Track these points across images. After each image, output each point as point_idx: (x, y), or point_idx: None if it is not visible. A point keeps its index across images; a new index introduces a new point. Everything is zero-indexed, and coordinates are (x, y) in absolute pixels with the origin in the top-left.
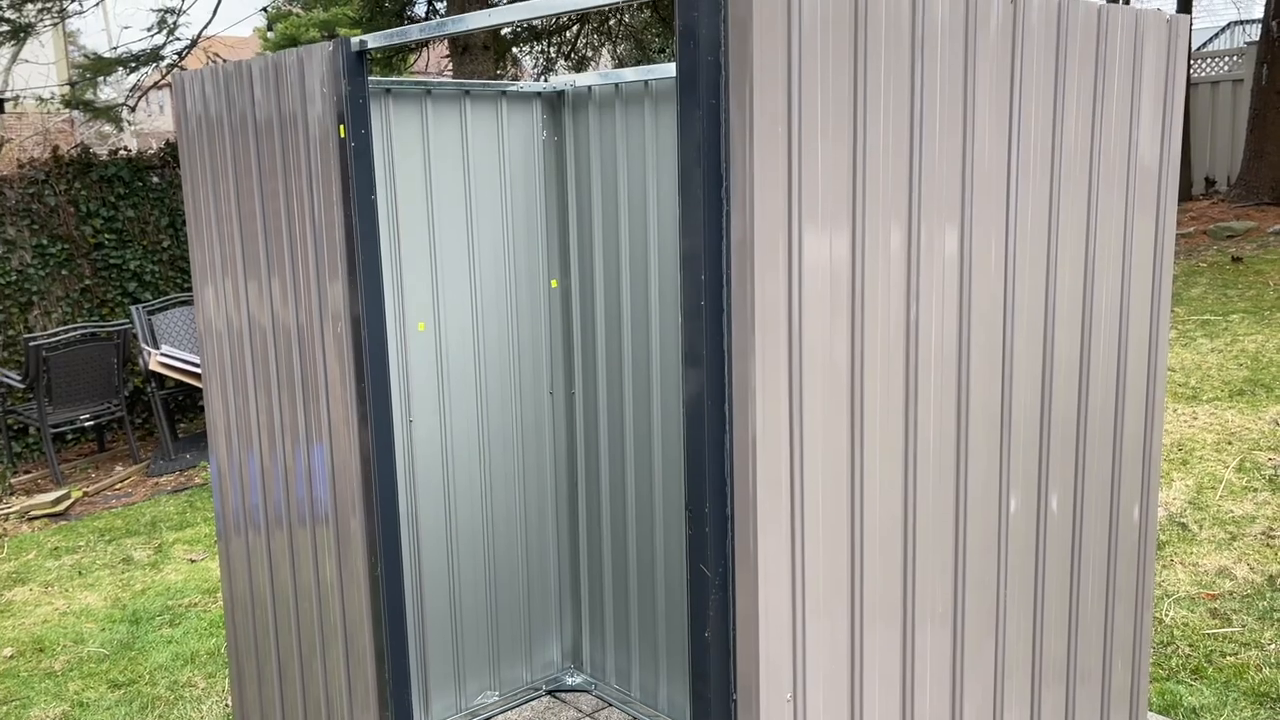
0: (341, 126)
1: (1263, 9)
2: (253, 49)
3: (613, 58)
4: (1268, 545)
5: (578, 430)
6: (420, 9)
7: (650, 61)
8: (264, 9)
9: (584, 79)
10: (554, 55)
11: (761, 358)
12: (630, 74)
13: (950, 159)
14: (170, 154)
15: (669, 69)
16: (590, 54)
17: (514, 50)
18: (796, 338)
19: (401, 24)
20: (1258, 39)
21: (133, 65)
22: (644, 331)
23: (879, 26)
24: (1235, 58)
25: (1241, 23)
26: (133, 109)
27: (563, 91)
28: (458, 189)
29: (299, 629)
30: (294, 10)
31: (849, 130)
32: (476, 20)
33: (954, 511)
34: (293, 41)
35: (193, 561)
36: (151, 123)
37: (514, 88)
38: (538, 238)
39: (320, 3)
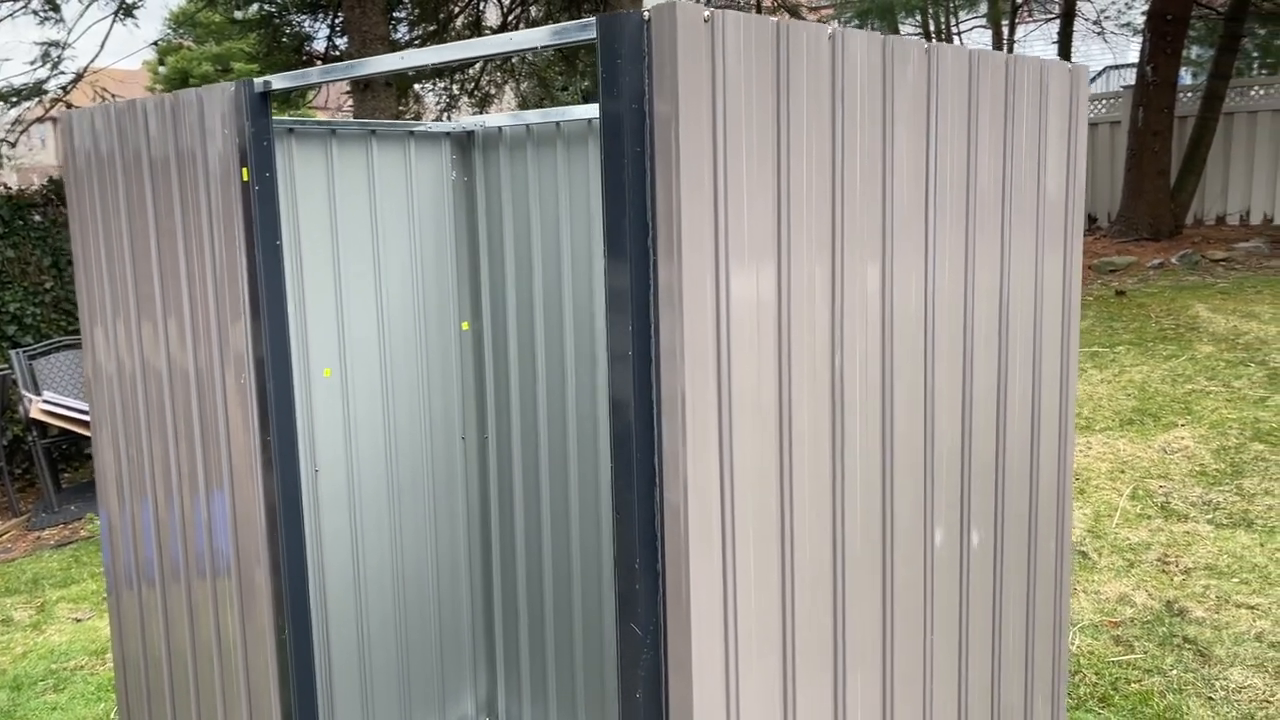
0: (245, 169)
1: (1137, 54)
2: (141, 83)
3: (516, 94)
4: (1163, 571)
5: (491, 476)
6: (319, 44)
7: (553, 98)
8: (154, 43)
9: (494, 120)
10: (457, 92)
11: (692, 405)
12: (541, 115)
13: (871, 201)
14: (54, 191)
15: (580, 111)
16: (494, 91)
17: (416, 87)
18: (725, 384)
19: (300, 59)
20: (1133, 83)
21: (14, 100)
22: (559, 374)
23: (800, 70)
24: (1112, 100)
25: (1117, 67)
26: (13, 144)
27: (472, 132)
28: (364, 230)
29: (198, 690)
30: (185, 44)
31: (773, 174)
32: (384, 63)
33: (881, 552)
34: (184, 75)
35: (78, 621)
36: (33, 157)
37: (421, 128)
38: (448, 279)
39: (212, 37)
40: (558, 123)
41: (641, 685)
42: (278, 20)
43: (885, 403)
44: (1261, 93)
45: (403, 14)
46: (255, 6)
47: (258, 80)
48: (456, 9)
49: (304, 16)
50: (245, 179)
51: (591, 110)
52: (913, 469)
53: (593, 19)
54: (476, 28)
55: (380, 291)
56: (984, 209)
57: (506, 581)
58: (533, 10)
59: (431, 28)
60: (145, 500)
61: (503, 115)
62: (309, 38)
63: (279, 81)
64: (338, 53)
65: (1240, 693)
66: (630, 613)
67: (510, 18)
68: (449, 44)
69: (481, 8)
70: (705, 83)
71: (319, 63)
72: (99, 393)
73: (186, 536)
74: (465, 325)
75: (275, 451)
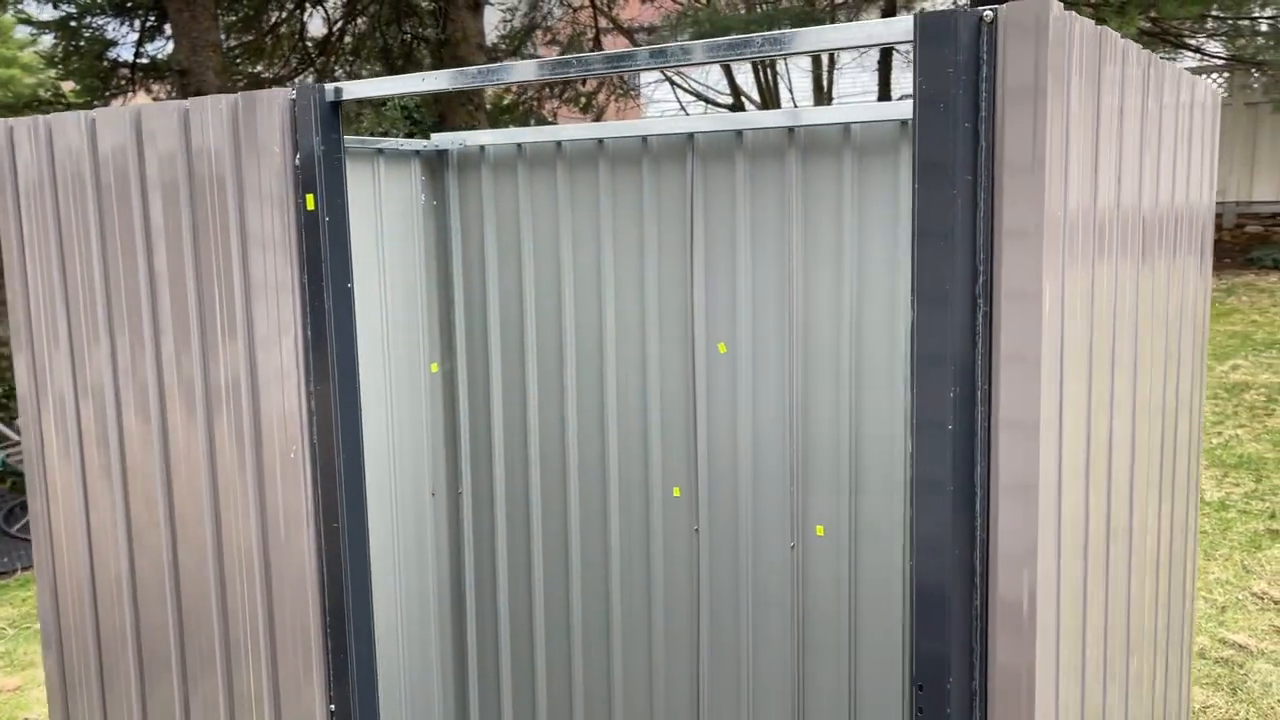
0: (310, 196)
1: None
2: None
3: None
4: None
5: (465, 536)
6: (126, 52)
7: (377, 112)
8: None
9: (475, 137)
10: None
11: (1045, 484)
12: (536, 134)
13: (1134, 228)
14: None
15: (581, 129)
16: None
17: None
18: (1058, 457)
19: (103, 65)
20: None
21: None
22: (557, 421)
23: (1109, 86)
24: None
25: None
26: None
27: (444, 151)
28: None
29: None
30: None
31: (1090, 202)
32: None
33: (1125, 640)
34: None
35: None
36: None
37: (390, 145)
38: (417, 315)
39: None
40: (558, 142)
41: None
42: (75, 23)
43: (1137, 439)
44: None
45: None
46: (50, 7)
47: (328, 86)
48: (280, 17)
49: (107, 20)
50: (311, 207)
51: (600, 130)
52: (1151, 489)
53: (908, 16)
54: (301, 37)
55: None
56: (1173, 230)
57: (484, 654)
58: (359, 22)
59: (249, 38)
60: (121, 565)
61: (487, 133)
62: (113, 43)
63: (355, 89)
64: (147, 60)
65: (1205, 713)
66: None
67: (335, 29)
68: (702, 41)
69: (305, 19)
70: (1061, 99)
71: (125, 70)
72: (46, 439)
73: (184, 610)
74: (435, 367)
75: (345, 542)
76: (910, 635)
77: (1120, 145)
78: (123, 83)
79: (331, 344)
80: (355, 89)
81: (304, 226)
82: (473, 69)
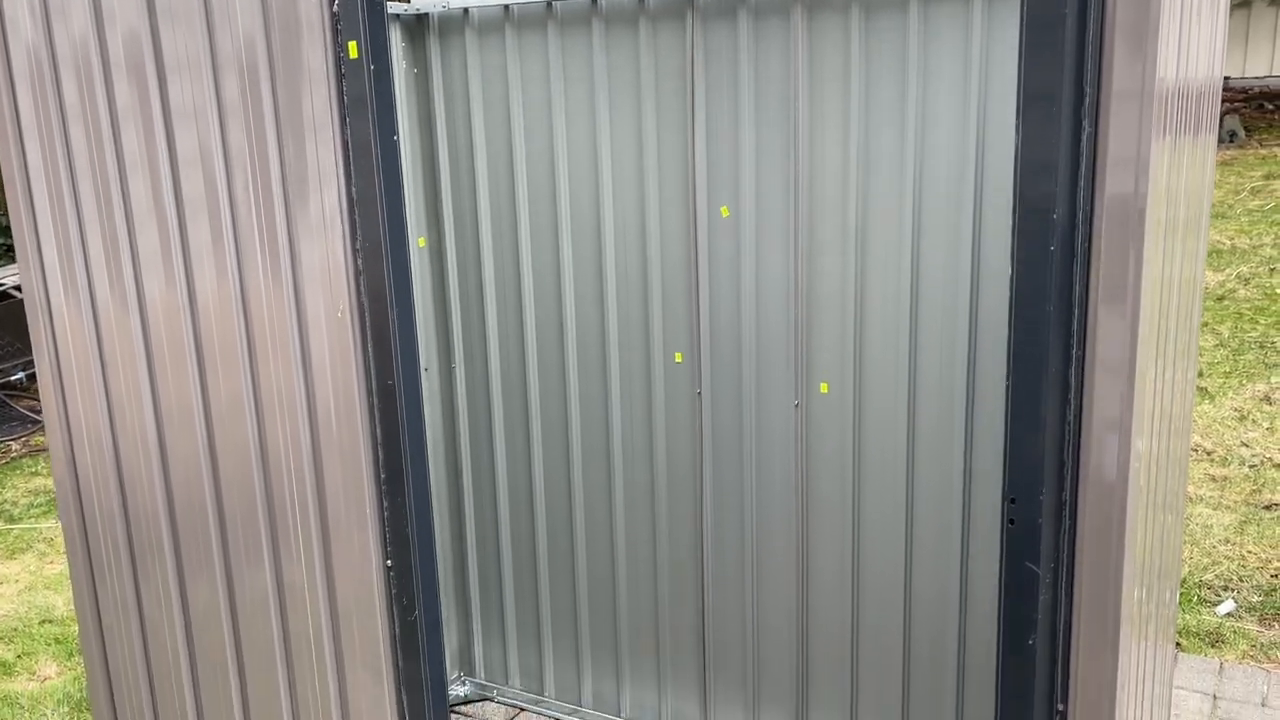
0: (352, 44)
1: None
2: None
3: None
4: None
5: (459, 408)
6: None
7: None
8: None
9: (458, 0)
10: None
11: (1140, 365)
12: None
13: (1188, 100)
14: None
15: None
16: None
17: None
18: (1135, 303)
19: None
20: None
21: None
22: (553, 291)
23: None
24: None
25: None
26: None
27: (425, 15)
28: None
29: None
30: None
31: (1173, 82)
32: None
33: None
34: None
35: None
36: None
37: None
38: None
39: None
40: (549, 3)
41: (1038, 630)
42: None
43: (1180, 308)
44: None
45: None
46: None
47: None
48: None
49: None
50: (354, 55)
51: None
52: (1183, 357)
53: None
54: None
55: None
56: (1210, 101)
57: (483, 523)
58: None
59: None
60: (150, 458)
61: None
62: None
63: None
64: None
65: None
66: (1028, 549)
67: None
68: None
69: None
70: None
71: None
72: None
73: (221, 484)
74: (422, 241)
75: (402, 400)
76: (911, 485)
77: (1196, 11)
78: None
79: (381, 198)
80: None
81: (344, 76)
82: None
